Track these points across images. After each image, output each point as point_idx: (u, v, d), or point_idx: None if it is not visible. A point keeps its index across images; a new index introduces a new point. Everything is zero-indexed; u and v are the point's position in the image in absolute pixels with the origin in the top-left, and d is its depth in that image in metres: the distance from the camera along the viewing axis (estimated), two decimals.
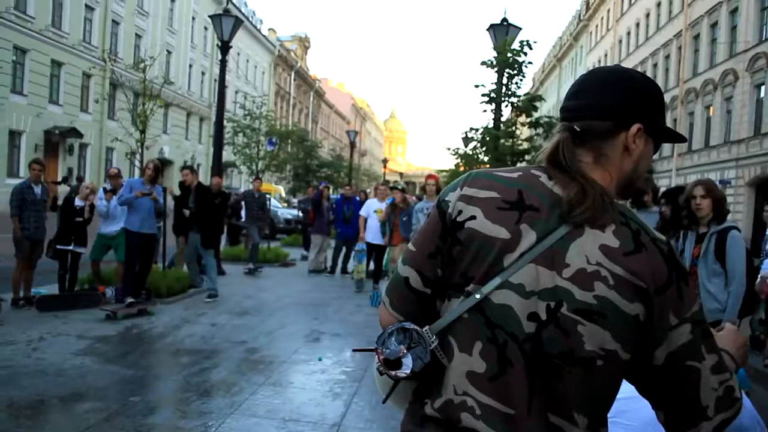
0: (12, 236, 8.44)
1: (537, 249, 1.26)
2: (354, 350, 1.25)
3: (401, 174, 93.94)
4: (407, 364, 1.25)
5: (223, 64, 13.51)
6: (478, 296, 1.26)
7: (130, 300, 8.60)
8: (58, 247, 9.01)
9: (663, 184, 31.97)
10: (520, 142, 13.68)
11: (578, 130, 1.38)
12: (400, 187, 11.61)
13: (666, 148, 34.94)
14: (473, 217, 1.32)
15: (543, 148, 1.42)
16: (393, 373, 1.27)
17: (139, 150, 11.07)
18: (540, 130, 13.23)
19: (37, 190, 8.59)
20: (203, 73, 45.40)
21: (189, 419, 4.89)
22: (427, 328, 1.30)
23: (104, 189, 9.69)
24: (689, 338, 1.27)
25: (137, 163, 11.42)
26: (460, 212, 1.34)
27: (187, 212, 10.51)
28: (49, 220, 8.92)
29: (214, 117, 19.02)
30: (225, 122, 15.44)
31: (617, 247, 1.25)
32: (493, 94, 12.78)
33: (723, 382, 1.29)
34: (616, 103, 1.38)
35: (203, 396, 5.45)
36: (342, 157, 44.98)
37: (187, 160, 41.38)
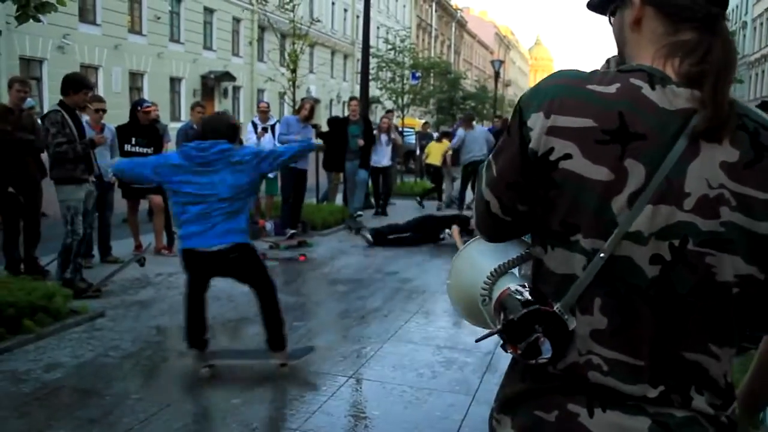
0: None
1: (651, 187, 1.08)
2: (478, 340, 1.11)
3: None
4: (547, 349, 1.14)
5: None
6: (603, 255, 1.10)
7: (291, 232, 9.10)
8: None
9: None
10: None
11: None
12: None
13: None
14: (568, 156, 1.11)
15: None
16: (533, 361, 1.16)
17: (291, 89, 11.44)
18: None
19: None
20: (345, 10, 45.75)
21: (349, 343, 5.13)
22: (558, 306, 1.14)
23: (253, 123, 10.08)
24: None
25: (289, 101, 11.81)
26: (551, 149, 1.12)
27: (361, 142, 10.79)
28: None
29: (357, 54, 19.18)
30: (369, 57, 15.52)
31: (737, 160, 1.09)
32: None
33: None
34: None
35: (361, 322, 5.69)
36: (486, 89, 44.05)
37: (333, 98, 42.33)
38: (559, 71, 1.23)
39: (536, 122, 1.15)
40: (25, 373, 4.28)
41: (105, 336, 5.05)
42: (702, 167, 1.09)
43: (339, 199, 12.20)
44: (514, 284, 1.22)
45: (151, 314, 5.62)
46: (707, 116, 1.08)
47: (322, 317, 5.92)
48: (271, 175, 9.93)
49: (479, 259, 1.37)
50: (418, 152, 17.72)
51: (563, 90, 1.16)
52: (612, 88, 1.13)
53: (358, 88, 14.33)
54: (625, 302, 1.12)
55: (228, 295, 6.29)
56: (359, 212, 10.90)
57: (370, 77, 18.03)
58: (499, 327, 1.18)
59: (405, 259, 8.36)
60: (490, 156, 1.26)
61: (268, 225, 9.75)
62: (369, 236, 9.36)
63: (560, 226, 1.15)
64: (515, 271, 1.29)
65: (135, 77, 27.16)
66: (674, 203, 1.09)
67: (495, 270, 1.28)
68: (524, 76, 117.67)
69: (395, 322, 5.65)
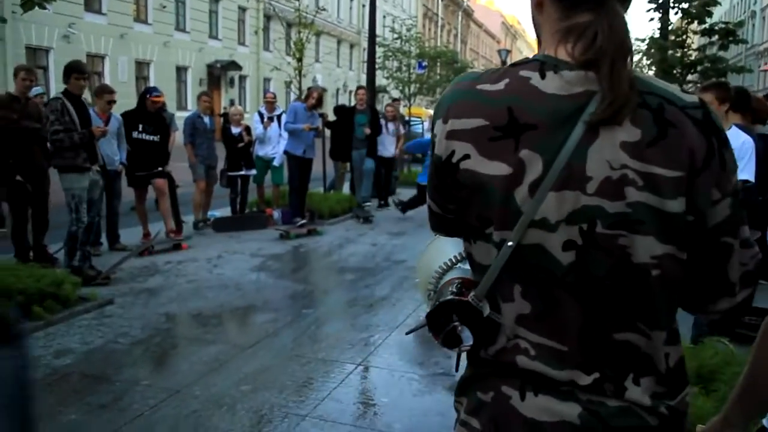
0: (188, 163, 9.14)
1: (551, 174, 1.08)
2: (407, 333, 1.20)
3: None
4: (467, 337, 1.17)
5: None
6: (510, 243, 1.11)
7: (302, 221, 9.13)
8: (230, 174, 9.62)
9: None
10: (690, 52, 12.63)
11: None
12: None
13: None
14: (467, 156, 1.14)
15: None
16: (456, 349, 1.20)
17: (297, 78, 11.42)
18: (715, 38, 12.06)
19: (206, 120, 9.19)
20: None
21: (357, 331, 5.13)
22: (472, 295, 1.16)
23: (260, 113, 10.11)
24: (728, 213, 1.12)
25: (295, 90, 11.79)
26: (452, 152, 1.16)
27: (368, 131, 10.73)
28: (219, 149, 9.52)
29: (363, 43, 19.15)
30: (376, 47, 15.48)
31: (639, 139, 1.07)
32: (660, 0, 11.85)
33: (754, 257, 1.16)
34: None
35: (369, 310, 5.68)
36: None
37: (339, 87, 42.23)
38: (458, 76, 1.27)
39: (438, 129, 1.20)
40: (35, 359, 4.30)
41: (114, 323, 5.06)
42: (602, 150, 1.08)
43: (346, 188, 12.19)
44: (458, 276, 1.26)
45: (160, 302, 5.63)
46: (605, 103, 1.07)
47: (331, 305, 5.92)
48: (276, 164, 9.97)
49: (445, 246, 1.40)
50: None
51: (457, 94, 1.19)
52: (500, 85, 1.14)
53: (364, 77, 14.31)
54: (544, 289, 1.12)
55: (236, 283, 6.31)
56: (367, 202, 10.89)
57: (377, 66, 17.98)
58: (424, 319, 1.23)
59: (413, 248, 8.35)
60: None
61: (276, 214, 9.77)
62: (399, 208, 10.58)
63: (477, 221, 1.17)
64: (466, 263, 1.31)
65: (141, 66, 27.13)
66: (577, 188, 1.08)
67: (444, 264, 1.32)
68: None
69: (403, 311, 5.65)
